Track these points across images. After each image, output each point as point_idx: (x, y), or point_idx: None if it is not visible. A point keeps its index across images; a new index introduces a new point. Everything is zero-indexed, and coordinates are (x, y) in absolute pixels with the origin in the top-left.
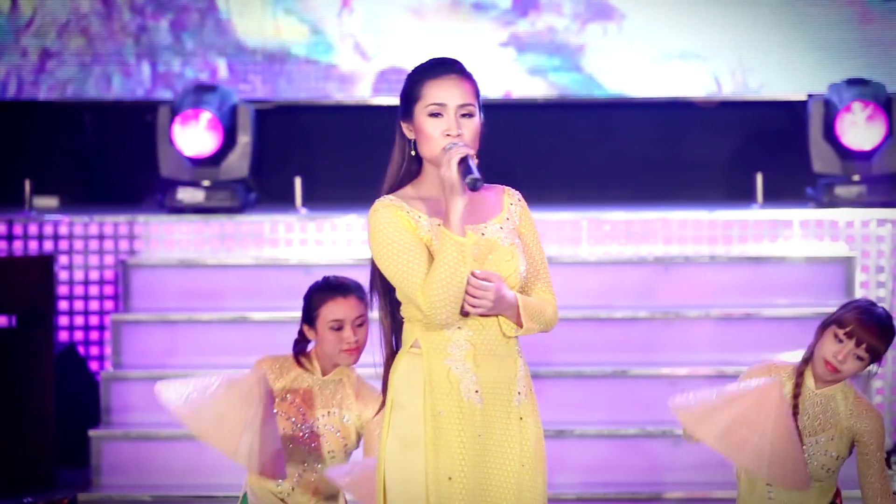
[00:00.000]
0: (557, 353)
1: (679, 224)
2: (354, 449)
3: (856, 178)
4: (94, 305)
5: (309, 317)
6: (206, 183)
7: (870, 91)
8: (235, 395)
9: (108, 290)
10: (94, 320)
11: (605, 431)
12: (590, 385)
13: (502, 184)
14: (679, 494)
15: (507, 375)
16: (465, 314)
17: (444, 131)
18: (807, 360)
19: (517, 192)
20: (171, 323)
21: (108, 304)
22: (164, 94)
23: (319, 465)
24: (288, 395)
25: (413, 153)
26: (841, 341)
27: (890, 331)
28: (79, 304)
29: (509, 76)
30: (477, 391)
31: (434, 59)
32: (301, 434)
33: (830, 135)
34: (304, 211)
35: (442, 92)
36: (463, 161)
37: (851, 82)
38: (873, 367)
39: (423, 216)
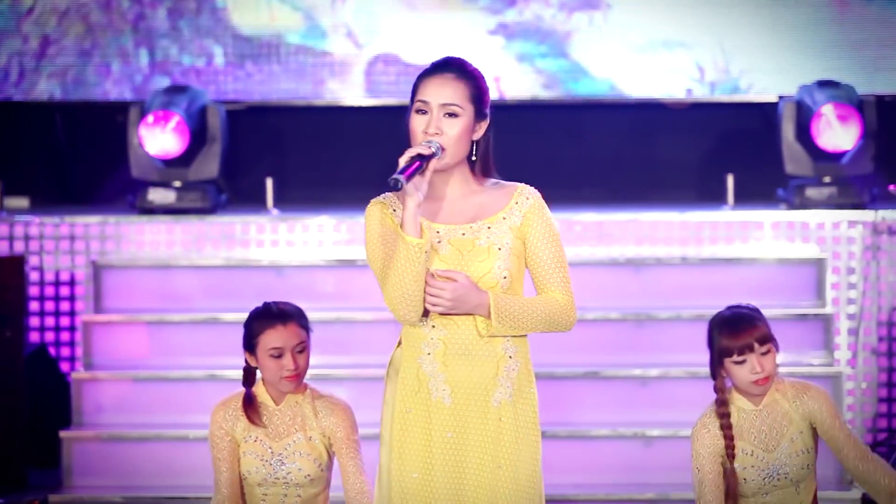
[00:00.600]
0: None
1: (650, 225)
2: (329, 463)
3: (827, 179)
4: (64, 306)
5: (249, 344)
6: (176, 184)
7: (843, 93)
8: None
9: (79, 290)
10: (64, 321)
11: (576, 433)
12: (561, 386)
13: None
14: (651, 495)
15: (484, 376)
16: (427, 312)
17: (424, 129)
18: (724, 401)
19: (532, 190)
20: (142, 324)
21: (79, 305)
22: (163, 80)
23: (300, 492)
24: (251, 434)
25: None
26: (743, 362)
27: (751, 316)
28: (50, 305)
29: (498, 63)
30: (446, 390)
31: (441, 58)
32: (274, 468)
33: (803, 136)
34: (275, 212)
35: (429, 89)
36: (412, 159)
37: (822, 84)
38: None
39: None
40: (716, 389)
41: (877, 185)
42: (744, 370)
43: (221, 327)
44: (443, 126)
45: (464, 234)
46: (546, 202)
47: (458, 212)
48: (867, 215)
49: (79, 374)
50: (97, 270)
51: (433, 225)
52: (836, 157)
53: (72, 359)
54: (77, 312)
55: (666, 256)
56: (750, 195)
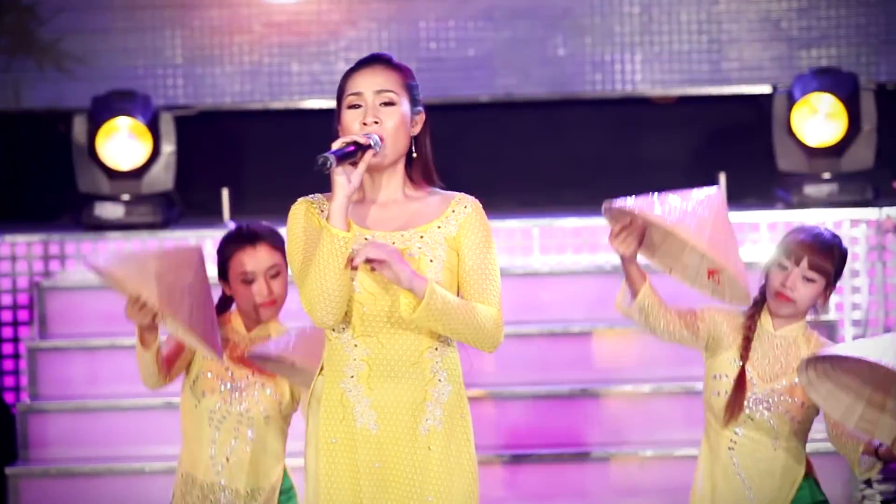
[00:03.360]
0: (511, 372)
1: None
2: (292, 411)
3: (826, 175)
4: (7, 332)
5: (222, 271)
6: (125, 197)
7: (834, 82)
8: (173, 260)
9: (23, 315)
10: (7, 348)
11: (565, 455)
12: (547, 406)
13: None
14: None
15: (411, 400)
16: (346, 320)
17: (361, 120)
18: (758, 303)
19: (471, 199)
20: (91, 349)
21: (23, 331)
22: None
23: (252, 434)
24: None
25: None
26: (786, 268)
27: (833, 247)
28: None
29: None
30: (372, 416)
31: (364, 56)
32: (231, 397)
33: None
34: (232, 225)
35: (359, 80)
36: (346, 144)
37: (818, 72)
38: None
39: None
40: (761, 288)
41: (880, 180)
42: (778, 276)
43: None
44: (380, 115)
45: (394, 243)
46: (525, 207)
47: (391, 218)
48: (870, 213)
49: (24, 405)
50: (42, 293)
51: (362, 231)
52: (833, 151)
53: (16, 389)
54: (21, 339)
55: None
56: (744, 195)
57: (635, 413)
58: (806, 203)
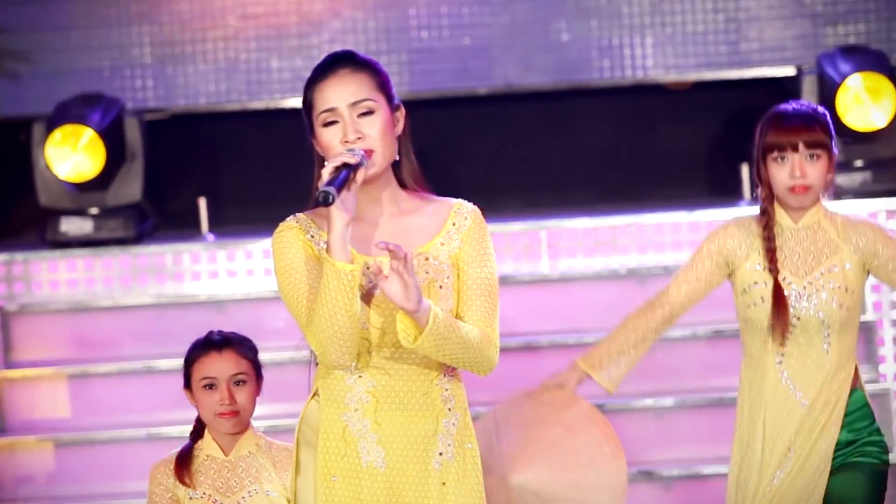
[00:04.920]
0: (519, 388)
1: (654, 229)
2: None
3: (859, 163)
4: None
5: (186, 378)
6: (93, 211)
7: (871, 60)
8: None
9: None
10: None
11: None
12: None
13: (449, 195)
14: None
15: (423, 433)
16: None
17: (342, 139)
18: (765, 202)
19: (471, 208)
20: (63, 378)
21: None
22: None
23: None
24: (198, 490)
25: None
26: (784, 159)
27: (809, 115)
28: None
29: None
30: (380, 453)
31: (325, 57)
32: None
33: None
34: (211, 237)
35: (329, 94)
36: (337, 170)
37: (847, 51)
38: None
39: None
40: (763, 184)
41: None
42: (782, 171)
43: (157, 377)
44: (362, 128)
45: None
46: (530, 208)
47: (390, 238)
48: None
49: None
50: (5, 318)
51: (364, 258)
52: (867, 136)
53: None
54: None
55: (675, 264)
56: None
57: (658, 429)
58: (837, 193)
